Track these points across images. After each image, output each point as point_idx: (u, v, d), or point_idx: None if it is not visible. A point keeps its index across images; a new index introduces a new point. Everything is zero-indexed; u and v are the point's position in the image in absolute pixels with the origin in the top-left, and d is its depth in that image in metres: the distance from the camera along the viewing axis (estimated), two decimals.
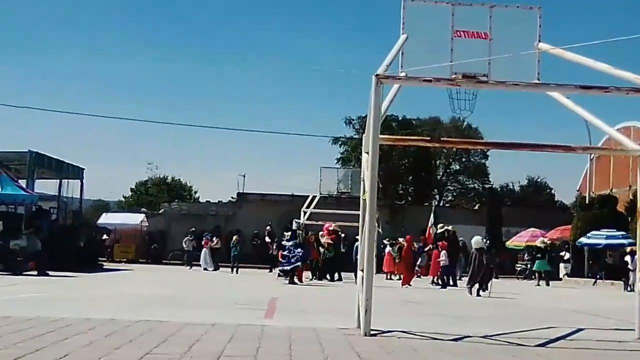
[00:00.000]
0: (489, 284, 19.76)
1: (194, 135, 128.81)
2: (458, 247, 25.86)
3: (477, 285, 19.58)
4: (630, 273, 25.68)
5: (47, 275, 20.89)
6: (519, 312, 14.63)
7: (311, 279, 24.98)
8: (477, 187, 60.60)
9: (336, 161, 54.24)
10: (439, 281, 24.34)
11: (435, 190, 60.59)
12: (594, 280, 31.96)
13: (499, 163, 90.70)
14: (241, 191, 50.30)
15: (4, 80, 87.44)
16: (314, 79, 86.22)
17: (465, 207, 56.01)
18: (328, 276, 25.64)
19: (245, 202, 46.36)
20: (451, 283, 24.16)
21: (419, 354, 7.45)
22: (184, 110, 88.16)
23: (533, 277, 31.53)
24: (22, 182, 26.05)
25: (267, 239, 33.42)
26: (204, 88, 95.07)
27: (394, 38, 11.50)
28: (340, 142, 55.86)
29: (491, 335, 9.03)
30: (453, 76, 11.23)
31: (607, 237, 31.34)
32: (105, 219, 43.64)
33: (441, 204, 58.59)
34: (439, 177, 60.63)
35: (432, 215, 27.82)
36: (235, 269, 30.20)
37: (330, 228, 26.97)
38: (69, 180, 31.78)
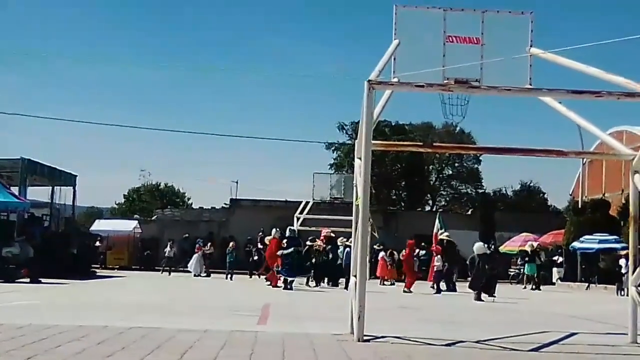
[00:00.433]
0: (495, 289, 19.93)
1: (186, 142, 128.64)
2: (454, 253, 25.90)
3: (480, 291, 19.68)
4: (624, 277, 25.73)
5: (40, 282, 20.81)
6: (513, 317, 14.64)
7: (310, 284, 24.94)
8: (470, 192, 60.65)
9: (329, 167, 54.33)
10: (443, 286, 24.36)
11: (428, 196, 60.63)
12: (587, 284, 32.01)
13: (491, 168, 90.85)
14: (234, 197, 50.31)
15: None
16: (306, 85, 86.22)
17: (459, 212, 56.06)
18: (327, 280, 25.61)
19: (239, 208, 46.32)
20: (449, 288, 24.18)
21: (412, 359, 7.45)
22: (177, 116, 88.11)
23: (529, 282, 31.63)
24: (15, 189, 25.94)
25: (260, 245, 33.36)
26: (196, 94, 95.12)
27: (386, 44, 11.52)
28: (333, 148, 55.91)
29: (484, 340, 9.03)
30: (445, 81, 11.24)
31: (600, 242, 31.39)
32: (98, 225, 43.51)
33: (434, 209, 58.69)
34: (431, 182, 60.67)
35: (437, 221, 27.80)
36: (230, 276, 30.16)
37: (325, 234, 27.01)
38: (62, 187, 31.70)
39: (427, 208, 59.07)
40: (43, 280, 21.06)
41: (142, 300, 15.45)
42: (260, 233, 34.51)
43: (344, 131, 55.11)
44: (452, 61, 11.52)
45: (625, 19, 69.62)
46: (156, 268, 38.57)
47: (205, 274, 31.82)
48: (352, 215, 10.64)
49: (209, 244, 33.65)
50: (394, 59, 11.38)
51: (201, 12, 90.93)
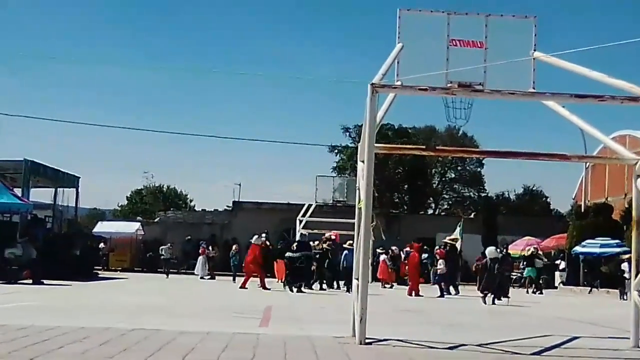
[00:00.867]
0: (508, 291, 20.19)
1: (189, 144, 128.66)
2: (458, 257, 25.91)
3: (491, 294, 19.84)
4: (627, 281, 25.67)
5: (42, 284, 20.83)
6: (515, 321, 14.62)
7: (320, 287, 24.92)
8: (472, 195, 60.63)
9: (332, 170, 54.25)
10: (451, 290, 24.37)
11: (431, 199, 60.61)
12: (589, 288, 31.96)
13: (494, 172, 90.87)
14: (237, 199, 50.31)
15: None
16: (310, 87, 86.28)
17: (461, 215, 56.00)
18: (328, 284, 25.59)
19: (241, 211, 46.33)
20: (453, 292, 24.17)
21: None
22: (180, 118, 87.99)
23: (530, 285, 31.63)
24: (18, 191, 26.00)
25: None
26: (200, 96, 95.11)
27: (389, 47, 11.52)
28: (336, 151, 55.90)
29: (486, 344, 9.02)
30: (449, 85, 11.24)
31: (602, 246, 31.38)
32: (101, 227, 43.57)
33: (437, 213, 58.65)
34: (434, 185, 60.65)
35: (458, 228, 27.77)
36: (235, 278, 30.14)
37: (332, 236, 26.98)
38: (64, 189, 31.72)
39: (430, 211, 59.04)
40: (45, 281, 21.08)
41: (144, 302, 15.46)
42: (263, 235, 34.60)
43: (348, 134, 55.14)
44: (456, 65, 11.51)
45: (628, 23, 69.57)
46: (158, 270, 38.58)
47: (209, 277, 31.82)
48: (354, 218, 10.64)
49: (212, 246, 33.64)
50: (398, 62, 11.37)
51: (206, 15, 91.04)
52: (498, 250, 22.37)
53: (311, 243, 26.10)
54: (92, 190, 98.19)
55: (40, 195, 32.31)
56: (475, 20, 11.91)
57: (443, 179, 60.94)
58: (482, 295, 20.02)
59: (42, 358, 6.47)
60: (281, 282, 24.81)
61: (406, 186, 56.98)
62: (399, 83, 10.94)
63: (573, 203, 44.40)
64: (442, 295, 23.28)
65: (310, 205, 35.08)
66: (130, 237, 43.22)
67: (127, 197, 65.97)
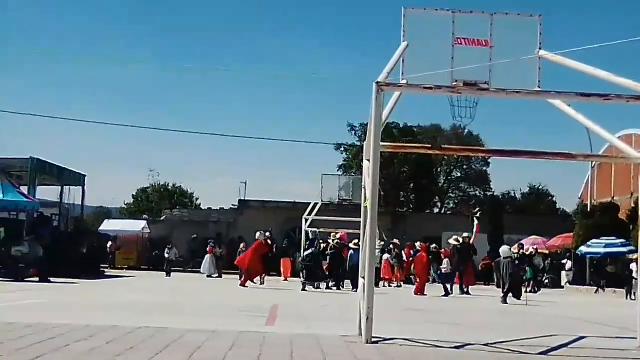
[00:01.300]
0: (522, 291, 20.38)
1: (195, 142, 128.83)
2: (468, 256, 25.86)
3: (509, 293, 19.86)
4: (634, 281, 25.59)
5: (49, 281, 20.91)
6: (521, 320, 14.60)
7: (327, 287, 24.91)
8: (478, 194, 60.57)
9: (338, 168, 54.32)
10: (465, 290, 24.34)
11: (437, 198, 60.58)
12: (596, 288, 31.91)
13: (500, 170, 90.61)
14: (243, 198, 50.37)
15: (5, 87, 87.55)
16: (316, 86, 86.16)
17: (467, 214, 55.92)
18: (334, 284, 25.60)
19: (247, 209, 46.37)
20: (461, 291, 24.20)
21: None
22: (186, 116, 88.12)
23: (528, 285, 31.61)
24: (24, 189, 26.08)
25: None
26: (206, 95, 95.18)
27: (395, 46, 11.51)
28: (342, 149, 55.92)
29: (493, 343, 9.01)
30: (454, 84, 11.22)
31: (607, 246, 31.32)
32: (107, 225, 43.71)
33: (442, 212, 58.60)
34: (440, 184, 60.62)
35: (476, 220, 27.67)
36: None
37: (339, 236, 27.00)
38: (71, 187, 31.84)
39: (436, 210, 59.00)
40: (52, 279, 21.16)
41: (151, 300, 15.49)
42: (267, 233, 34.64)
43: (354, 132, 55.13)
44: (461, 63, 11.48)
45: (634, 21, 69.32)
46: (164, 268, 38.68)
47: (217, 275, 31.86)
48: (360, 217, 10.64)
49: (220, 245, 33.69)
50: (403, 61, 11.35)
51: (212, 13, 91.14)
52: (511, 249, 22.35)
53: (322, 243, 26.11)
54: (98, 189, 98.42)
55: (47, 193, 32.46)
56: (481, 18, 11.87)
57: (449, 177, 60.92)
58: (503, 294, 19.83)
59: (49, 356, 6.49)
60: (286, 280, 24.84)
61: (412, 185, 56.98)
62: (404, 82, 10.92)
63: (579, 202, 44.35)
64: (447, 295, 23.27)
65: (316, 204, 35.07)
66: (136, 236, 43.35)
67: (133, 195, 66.13)
